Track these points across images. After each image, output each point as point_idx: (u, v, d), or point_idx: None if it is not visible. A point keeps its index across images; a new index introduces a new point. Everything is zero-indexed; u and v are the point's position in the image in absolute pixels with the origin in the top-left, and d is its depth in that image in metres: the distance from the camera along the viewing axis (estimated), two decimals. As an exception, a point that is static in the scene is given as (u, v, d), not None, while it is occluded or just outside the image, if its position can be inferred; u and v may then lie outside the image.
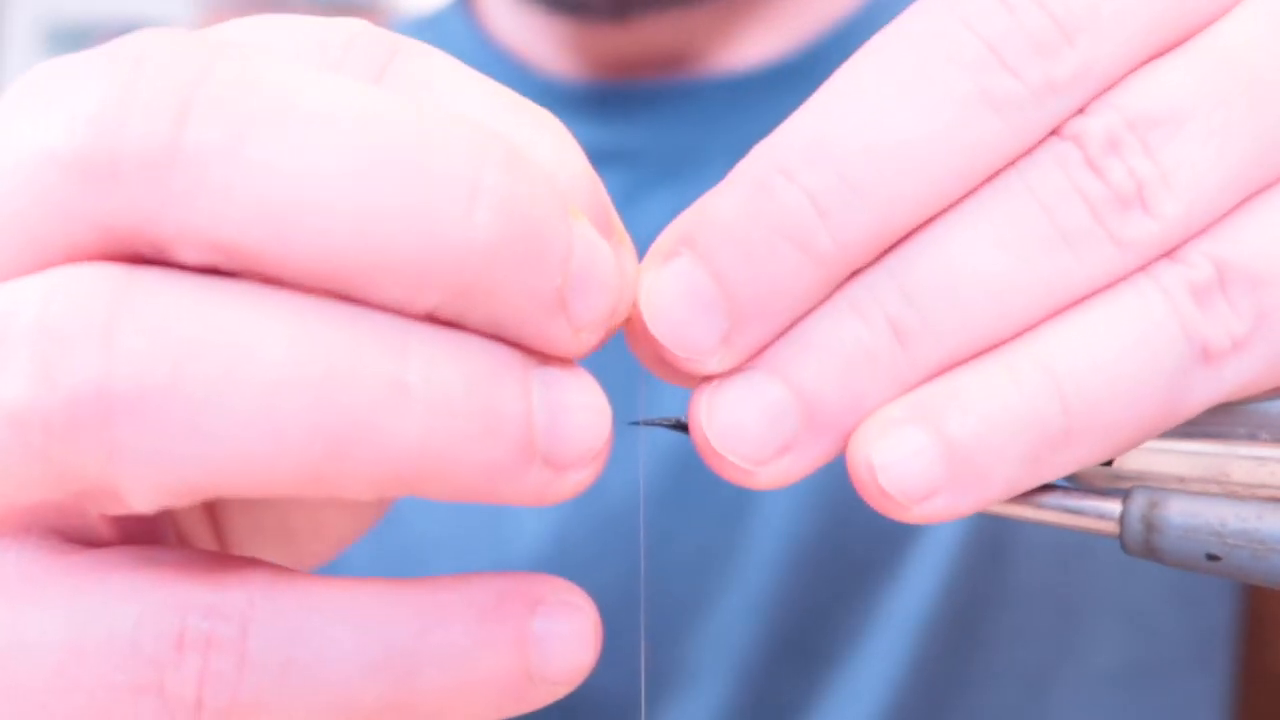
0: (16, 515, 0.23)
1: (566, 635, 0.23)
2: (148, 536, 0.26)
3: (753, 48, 0.62)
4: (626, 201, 0.62)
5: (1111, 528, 0.25)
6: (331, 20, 0.23)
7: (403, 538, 0.60)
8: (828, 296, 0.23)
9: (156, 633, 0.21)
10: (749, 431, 0.23)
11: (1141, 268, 0.23)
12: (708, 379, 0.24)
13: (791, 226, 0.22)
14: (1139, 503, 0.25)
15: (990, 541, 0.57)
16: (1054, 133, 0.23)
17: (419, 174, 0.20)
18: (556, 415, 0.22)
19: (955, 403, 0.23)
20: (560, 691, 0.23)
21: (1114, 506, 0.25)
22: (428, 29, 0.71)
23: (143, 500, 0.21)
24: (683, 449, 0.58)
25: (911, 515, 0.23)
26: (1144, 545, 0.24)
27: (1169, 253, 0.23)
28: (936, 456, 0.22)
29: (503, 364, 0.22)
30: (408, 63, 0.23)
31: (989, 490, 0.23)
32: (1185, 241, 0.23)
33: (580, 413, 0.22)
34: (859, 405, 0.23)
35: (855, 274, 0.23)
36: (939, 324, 0.23)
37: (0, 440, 0.20)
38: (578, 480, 0.23)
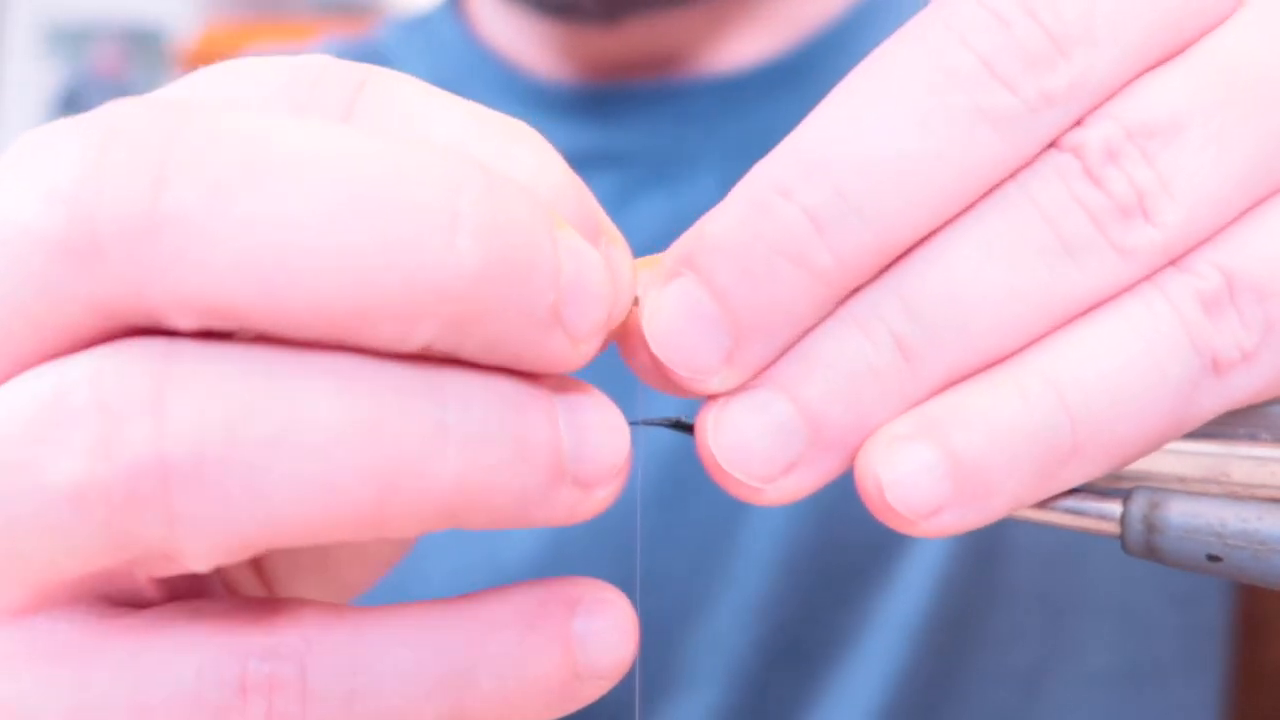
0: (69, 585, 0.23)
1: (606, 630, 0.24)
2: (194, 591, 0.26)
3: (742, 48, 0.62)
4: (618, 203, 0.62)
5: (1112, 528, 0.25)
6: (297, 59, 0.23)
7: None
8: (831, 313, 0.23)
9: (219, 681, 0.22)
10: (756, 449, 0.23)
11: (1147, 277, 0.23)
12: (713, 396, 0.24)
13: (790, 244, 0.22)
14: (1140, 503, 0.24)
15: (983, 543, 0.57)
16: (1053, 145, 0.23)
17: (396, 209, 0.20)
18: (581, 436, 0.23)
19: (961, 418, 0.22)
20: (606, 686, 0.24)
21: (1115, 507, 0.25)
22: (418, 30, 0.71)
23: (200, 561, 0.21)
24: (677, 453, 0.58)
25: (919, 530, 0.23)
26: (1145, 546, 0.24)
27: (1175, 261, 0.23)
28: (944, 473, 0.22)
29: (528, 395, 0.22)
30: (377, 92, 0.23)
31: (996, 505, 0.23)
32: (1190, 250, 0.23)
33: (602, 432, 0.23)
34: (865, 422, 0.23)
35: (858, 290, 0.23)
36: (944, 339, 0.23)
37: (63, 516, 0.21)
38: (603, 497, 0.23)
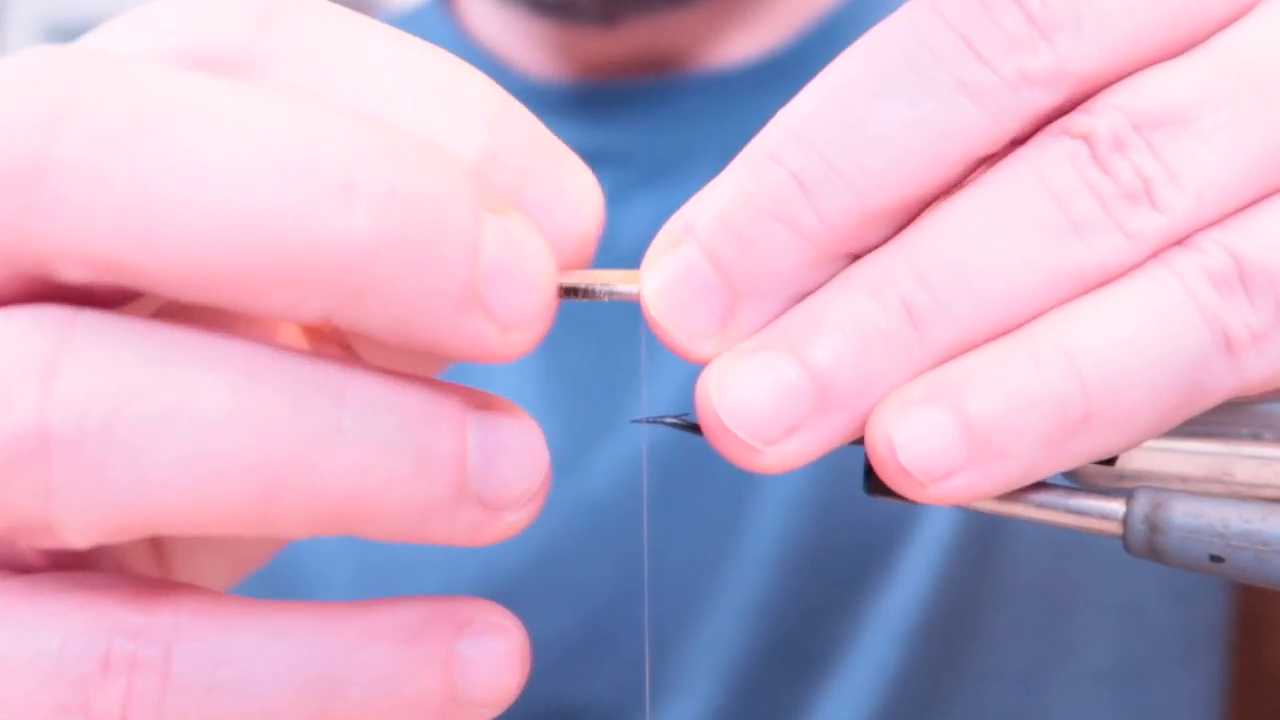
0: None
1: (492, 657, 0.23)
2: (81, 563, 0.26)
3: (738, 46, 0.62)
4: (614, 203, 0.61)
5: (1115, 528, 0.25)
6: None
7: (390, 556, 0.60)
8: (825, 279, 0.24)
9: (82, 654, 0.22)
10: (760, 408, 0.23)
11: (1154, 255, 0.23)
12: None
13: (778, 206, 0.23)
14: (1142, 503, 0.24)
15: (982, 541, 0.57)
16: (1065, 132, 0.23)
17: (289, 173, 0.20)
18: (492, 457, 0.22)
19: (975, 383, 0.23)
20: (485, 714, 0.23)
21: (1117, 507, 0.25)
22: (407, 27, 0.70)
23: (78, 537, 0.21)
24: (675, 455, 0.58)
25: (929, 494, 0.23)
26: (1147, 546, 0.24)
27: (1181, 242, 0.23)
28: (957, 435, 0.22)
29: (437, 406, 0.22)
30: (283, 30, 0.23)
31: (1008, 471, 0.23)
32: (1196, 232, 0.23)
33: (515, 456, 0.22)
34: (871, 386, 0.23)
35: (866, 256, 0.23)
36: (952, 307, 0.23)
37: None
38: (512, 522, 0.23)
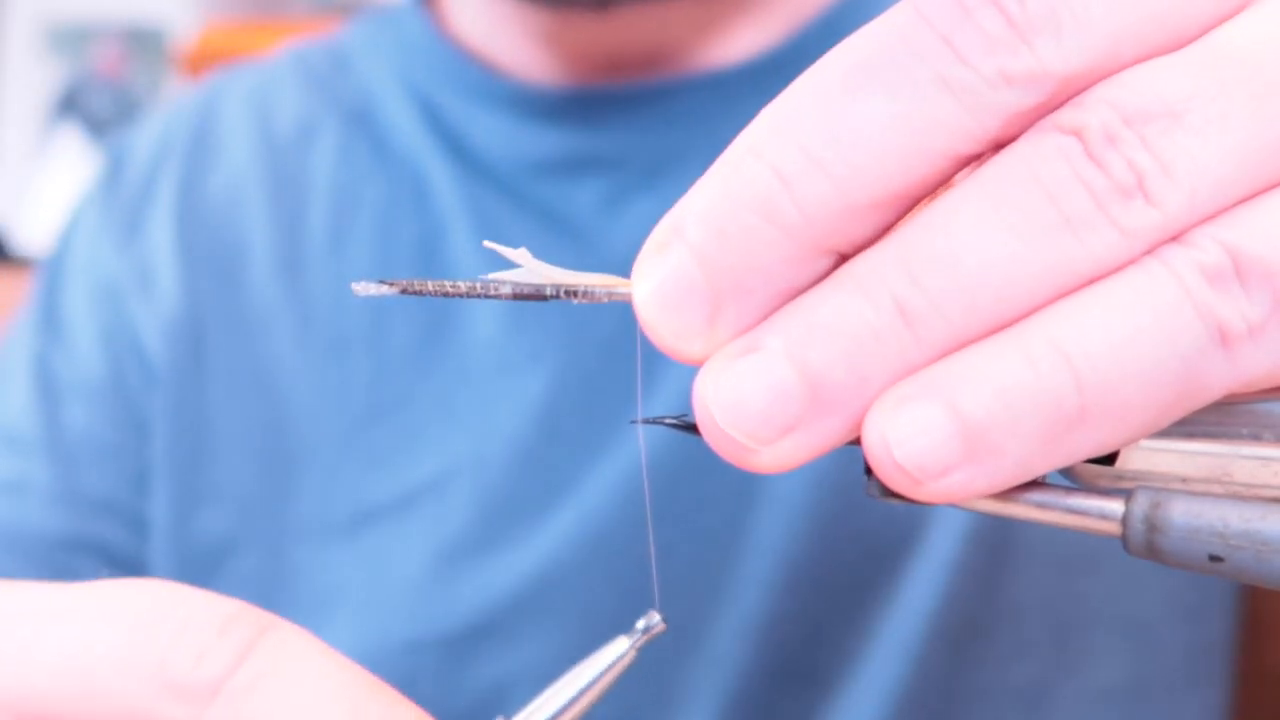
0: None
1: None
2: None
3: (735, 44, 0.61)
4: (608, 208, 0.61)
5: (1114, 528, 0.25)
6: (211, 599, 0.25)
7: (395, 576, 0.60)
8: (813, 276, 0.23)
9: None
10: (753, 408, 0.23)
11: (1149, 252, 0.23)
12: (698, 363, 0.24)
13: (759, 200, 0.23)
14: (1141, 503, 0.24)
15: (987, 558, 0.56)
16: (1056, 127, 0.23)
17: None
18: None
19: (969, 379, 0.23)
20: None
21: (1116, 506, 0.25)
22: (385, 29, 0.69)
23: None
24: (674, 466, 0.57)
25: (927, 492, 0.23)
26: (1146, 546, 0.24)
27: (1176, 238, 0.23)
28: (952, 432, 0.22)
29: None
30: (272, 651, 0.24)
31: (1004, 468, 0.23)
32: (1191, 227, 0.23)
33: None
34: (865, 385, 0.23)
35: (858, 255, 0.23)
36: (944, 304, 0.23)
37: None
38: None
